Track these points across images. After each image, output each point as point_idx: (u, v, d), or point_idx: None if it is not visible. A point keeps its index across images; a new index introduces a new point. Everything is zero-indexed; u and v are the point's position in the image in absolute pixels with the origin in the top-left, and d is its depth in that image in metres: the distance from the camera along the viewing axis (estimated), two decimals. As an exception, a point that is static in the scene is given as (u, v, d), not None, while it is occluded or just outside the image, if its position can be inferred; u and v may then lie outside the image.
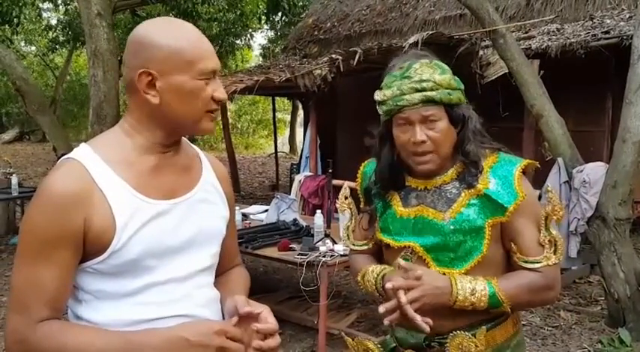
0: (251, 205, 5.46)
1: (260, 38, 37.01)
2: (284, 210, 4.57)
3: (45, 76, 22.09)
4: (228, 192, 1.38)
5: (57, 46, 17.07)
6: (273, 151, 12.42)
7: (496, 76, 6.04)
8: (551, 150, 4.85)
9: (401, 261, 1.46)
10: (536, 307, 4.17)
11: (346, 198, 1.72)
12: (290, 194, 6.65)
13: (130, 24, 13.17)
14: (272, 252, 3.82)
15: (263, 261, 5.46)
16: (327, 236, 3.82)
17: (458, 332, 1.44)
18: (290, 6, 12.93)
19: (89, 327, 1.16)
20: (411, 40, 5.83)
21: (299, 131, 17.80)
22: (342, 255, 3.53)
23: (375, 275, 1.53)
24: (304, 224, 4.28)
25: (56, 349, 1.10)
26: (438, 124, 1.42)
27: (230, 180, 1.45)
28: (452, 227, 1.45)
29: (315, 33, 10.39)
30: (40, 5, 16.68)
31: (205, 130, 1.23)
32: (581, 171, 4.66)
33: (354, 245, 1.71)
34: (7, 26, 12.75)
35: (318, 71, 6.35)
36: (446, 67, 1.47)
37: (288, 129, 21.38)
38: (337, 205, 1.75)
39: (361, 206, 1.68)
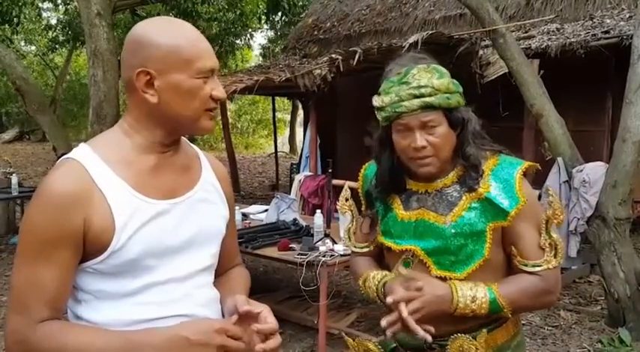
0: (251, 205, 5.46)
1: (260, 38, 37.06)
2: (284, 209, 4.56)
3: (45, 75, 22.10)
4: (228, 191, 1.38)
5: (57, 46, 17.07)
6: (273, 151, 12.43)
7: (496, 76, 6.05)
8: (551, 150, 4.84)
9: (401, 269, 1.46)
10: (536, 310, 4.17)
11: (347, 200, 1.72)
12: (290, 194, 6.65)
13: (130, 23, 13.13)
14: (272, 251, 3.82)
15: (263, 261, 5.46)
16: (326, 236, 3.81)
17: (458, 334, 1.44)
18: (290, 6, 12.92)
19: (89, 327, 1.15)
20: (411, 39, 5.82)
21: (299, 131, 17.80)
22: (341, 255, 3.53)
23: (377, 282, 1.53)
24: (304, 224, 4.27)
25: (56, 349, 1.10)
26: (437, 129, 1.41)
27: (230, 179, 1.45)
28: (453, 230, 1.44)
29: (315, 33, 10.38)
30: (40, 5, 16.71)
31: (204, 129, 1.23)
32: (581, 170, 4.66)
33: (355, 247, 1.70)
34: (7, 26, 12.76)
35: (318, 71, 6.34)
36: (444, 70, 1.46)
37: (288, 129, 21.38)
38: (338, 206, 1.75)
39: (362, 209, 1.68)
